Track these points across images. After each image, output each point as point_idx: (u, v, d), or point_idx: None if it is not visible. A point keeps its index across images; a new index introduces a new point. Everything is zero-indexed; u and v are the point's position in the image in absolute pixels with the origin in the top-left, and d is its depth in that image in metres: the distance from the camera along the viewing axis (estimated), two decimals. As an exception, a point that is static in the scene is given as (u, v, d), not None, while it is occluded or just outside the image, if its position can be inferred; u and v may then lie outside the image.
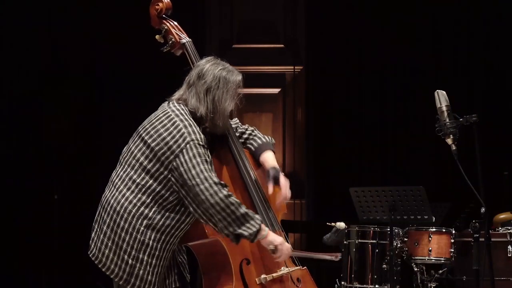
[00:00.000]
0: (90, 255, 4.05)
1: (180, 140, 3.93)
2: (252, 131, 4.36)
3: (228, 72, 4.08)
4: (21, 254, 8.31)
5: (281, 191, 4.21)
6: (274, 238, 4.00)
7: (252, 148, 4.31)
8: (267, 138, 4.35)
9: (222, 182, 3.91)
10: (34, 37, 8.59)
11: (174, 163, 3.92)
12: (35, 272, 8.27)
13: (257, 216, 3.96)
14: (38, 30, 8.59)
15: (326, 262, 4.42)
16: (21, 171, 8.41)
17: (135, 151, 4.02)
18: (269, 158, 4.27)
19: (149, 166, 3.97)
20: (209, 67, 4.07)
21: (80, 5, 8.60)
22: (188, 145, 3.91)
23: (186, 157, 3.90)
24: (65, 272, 8.15)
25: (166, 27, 4.42)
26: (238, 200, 3.92)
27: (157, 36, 4.45)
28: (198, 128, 3.98)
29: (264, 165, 4.26)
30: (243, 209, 3.91)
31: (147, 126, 4.05)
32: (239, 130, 4.34)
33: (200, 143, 3.93)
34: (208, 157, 3.93)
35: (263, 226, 3.96)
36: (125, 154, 4.07)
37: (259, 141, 4.32)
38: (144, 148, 4.00)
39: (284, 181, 4.22)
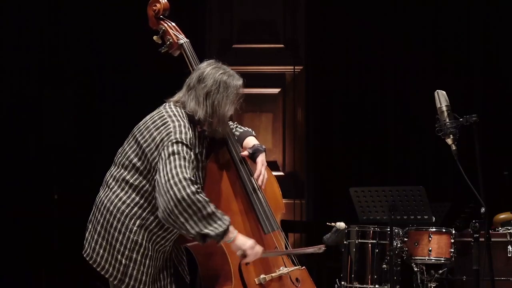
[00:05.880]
0: (84, 255, 4.03)
1: (165, 138, 3.89)
2: (235, 125, 4.35)
3: (229, 76, 4.05)
4: (21, 254, 8.30)
5: (257, 167, 4.15)
6: (242, 242, 3.89)
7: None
8: (247, 129, 4.33)
9: (192, 178, 3.79)
10: (34, 37, 8.59)
11: (157, 161, 3.88)
12: (35, 272, 8.27)
13: (226, 217, 3.83)
14: (37, 30, 8.59)
15: (311, 255, 4.37)
16: (21, 171, 8.41)
17: (129, 152, 4.02)
18: (250, 140, 4.25)
19: (141, 167, 3.95)
20: (210, 70, 4.05)
21: (80, 5, 8.60)
22: (170, 142, 3.85)
23: (165, 153, 3.83)
24: (65, 272, 8.14)
25: (163, 28, 4.40)
26: (206, 198, 3.80)
27: (155, 37, 4.43)
28: (190, 129, 3.93)
29: (246, 148, 4.23)
30: (211, 208, 3.79)
31: (141, 126, 4.03)
32: None
33: (184, 142, 3.86)
34: (188, 155, 3.83)
35: (231, 228, 3.84)
36: (119, 155, 4.07)
37: (240, 130, 4.31)
38: (137, 148, 3.99)
39: (261, 158, 4.16)
